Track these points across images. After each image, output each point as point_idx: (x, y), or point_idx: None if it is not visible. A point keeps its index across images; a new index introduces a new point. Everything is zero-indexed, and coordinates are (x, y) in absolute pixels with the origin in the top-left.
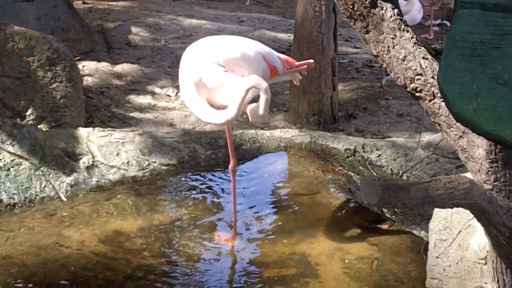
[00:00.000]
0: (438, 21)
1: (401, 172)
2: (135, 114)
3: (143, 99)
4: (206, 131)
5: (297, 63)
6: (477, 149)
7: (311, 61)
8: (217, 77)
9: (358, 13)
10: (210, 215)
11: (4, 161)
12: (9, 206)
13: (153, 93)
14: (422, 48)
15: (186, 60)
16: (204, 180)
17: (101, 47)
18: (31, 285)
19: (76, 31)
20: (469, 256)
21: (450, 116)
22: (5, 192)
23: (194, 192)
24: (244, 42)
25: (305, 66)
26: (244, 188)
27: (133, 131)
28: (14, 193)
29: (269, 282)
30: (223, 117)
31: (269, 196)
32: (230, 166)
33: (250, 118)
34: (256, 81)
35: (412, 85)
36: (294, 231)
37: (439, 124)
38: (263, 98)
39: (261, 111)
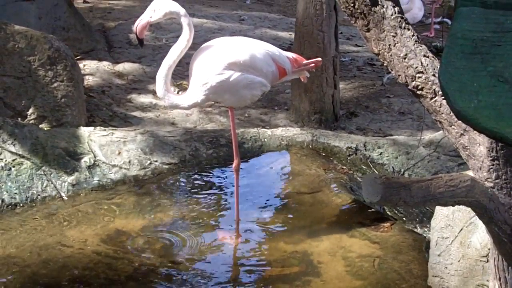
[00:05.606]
0: (439, 19)
1: (402, 170)
2: (136, 113)
3: (144, 98)
4: (207, 130)
5: (305, 61)
6: (478, 147)
7: (319, 59)
8: (225, 80)
9: (359, 11)
10: (212, 214)
11: (6, 160)
12: (10, 206)
13: (154, 92)
14: (423, 46)
15: (196, 64)
16: (206, 179)
17: (102, 46)
18: (32, 284)
19: (77, 30)
20: (470, 254)
21: (451, 114)
22: (7, 192)
23: (196, 191)
24: (253, 44)
25: (313, 64)
26: (246, 186)
27: (135, 130)
28: (15, 193)
29: (271, 281)
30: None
31: (271, 195)
32: (234, 165)
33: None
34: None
35: (413, 83)
36: (296, 230)
37: (440, 122)
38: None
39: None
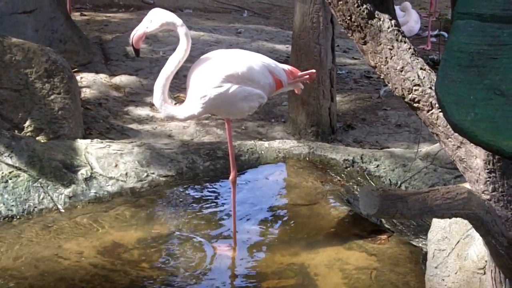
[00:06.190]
0: (435, 32)
1: (399, 182)
2: (133, 126)
3: (141, 111)
4: (204, 142)
5: (300, 73)
6: (475, 159)
7: (313, 71)
8: (224, 92)
9: (355, 24)
10: (208, 226)
11: (2, 173)
12: (7, 218)
13: (151, 105)
14: (420, 59)
15: (194, 77)
16: (203, 191)
17: (99, 58)
18: None
19: (74, 42)
20: (467, 266)
21: (448, 126)
22: (3, 204)
23: (192, 203)
24: (250, 57)
25: (308, 76)
26: (243, 199)
27: (132, 142)
28: (12, 205)
29: None
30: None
31: (267, 207)
32: (231, 177)
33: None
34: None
35: (410, 95)
36: (293, 242)
37: (437, 135)
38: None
39: None
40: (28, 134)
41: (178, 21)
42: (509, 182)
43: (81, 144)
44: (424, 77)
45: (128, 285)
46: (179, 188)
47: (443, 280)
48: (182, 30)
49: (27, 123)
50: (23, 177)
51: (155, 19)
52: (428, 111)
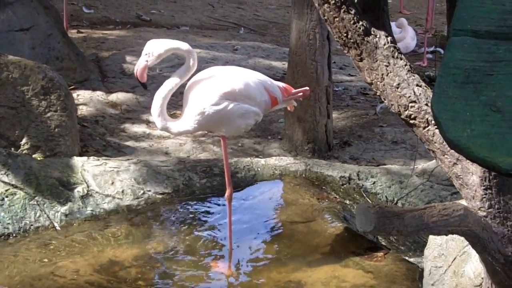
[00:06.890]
0: (431, 49)
1: (396, 199)
2: (130, 143)
3: (138, 128)
4: (201, 160)
5: (293, 90)
6: (471, 176)
7: (307, 88)
8: (221, 110)
9: (352, 41)
10: (205, 244)
11: None
12: (3, 236)
13: (147, 122)
14: (416, 76)
15: (191, 94)
16: (199, 209)
17: (96, 76)
18: None
19: (71, 60)
20: (464, 283)
21: (444, 143)
22: (0, 222)
23: (189, 220)
24: (247, 74)
25: (301, 93)
26: (239, 216)
27: (128, 160)
28: (8, 223)
29: None
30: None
31: (264, 224)
32: (226, 194)
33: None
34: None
35: (406, 112)
36: (289, 259)
37: (433, 151)
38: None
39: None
40: (24, 151)
41: (176, 44)
42: (505, 199)
43: (78, 161)
44: (420, 93)
45: None
46: (175, 206)
47: None
48: (184, 49)
49: (24, 140)
50: (20, 195)
51: (153, 51)
52: (424, 127)
